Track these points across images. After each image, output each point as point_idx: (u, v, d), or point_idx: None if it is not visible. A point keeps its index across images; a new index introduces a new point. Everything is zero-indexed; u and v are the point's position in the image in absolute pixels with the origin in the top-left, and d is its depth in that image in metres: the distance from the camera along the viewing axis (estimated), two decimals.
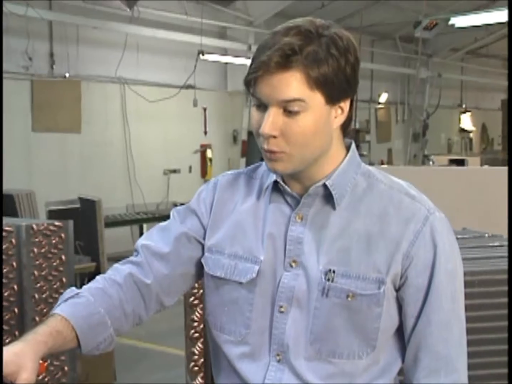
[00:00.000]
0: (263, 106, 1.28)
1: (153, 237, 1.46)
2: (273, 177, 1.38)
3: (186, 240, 1.44)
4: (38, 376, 1.21)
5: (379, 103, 14.34)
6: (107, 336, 1.36)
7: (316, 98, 1.26)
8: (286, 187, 1.37)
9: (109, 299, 1.38)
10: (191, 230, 1.44)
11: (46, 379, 3.04)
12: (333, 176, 1.34)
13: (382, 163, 12.68)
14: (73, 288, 1.39)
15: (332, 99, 1.28)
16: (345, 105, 1.31)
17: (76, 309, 1.33)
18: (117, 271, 1.43)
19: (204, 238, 1.43)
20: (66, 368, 3.12)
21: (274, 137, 1.27)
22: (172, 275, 1.43)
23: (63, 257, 3.02)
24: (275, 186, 1.39)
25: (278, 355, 1.33)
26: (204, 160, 10.14)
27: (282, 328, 1.32)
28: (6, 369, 1.15)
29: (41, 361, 1.22)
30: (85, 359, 3.86)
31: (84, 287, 1.40)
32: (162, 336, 5.62)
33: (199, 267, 1.45)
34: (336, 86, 1.26)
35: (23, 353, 1.19)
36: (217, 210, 1.43)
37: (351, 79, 1.29)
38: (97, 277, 1.43)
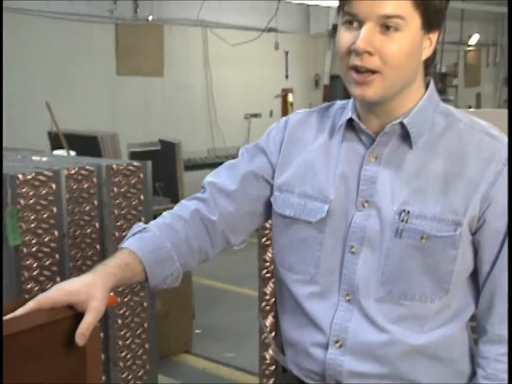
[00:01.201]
0: (356, 23, 1.23)
1: (220, 175, 1.46)
2: (347, 115, 1.35)
3: (253, 178, 1.43)
4: (108, 307, 1.24)
5: (469, 45, 13.78)
6: (174, 270, 1.38)
7: (415, 20, 1.23)
8: (361, 125, 1.33)
9: (176, 234, 1.39)
10: (259, 169, 1.43)
11: (127, 313, 3.15)
12: (411, 114, 1.30)
13: (470, 108, 12.27)
14: (141, 223, 1.41)
15: (427, 24, 1.25)
16: (434, 37, 1.28)
17: (143, 243, 1.35)
18: (184, 207, 1.44)
19: (272, 178, 1.42)
20: (145, 304, 3.21)
21: (369, 54, 1.22)
22: (238, 213, 1.43)
23: (142, 197, 3.08)
24: (349, 124, 1.35)
25: (347, 295, 1.31)
26: (285, 104, 10.08)
27: (353, 268, 1.31)
28: (77, 298, 1.18)
29: (111, 294, 1.25)
30: (165, 296, 3.98)
31: (151, 222, 1.42)
32: (240, 278, 5.71)
33: (267, 206, 1.44)
34: (434, 12, 1.24)
35: (94, 283, 1.21)
36: (286, 149, 1.41)
37: (444, 10, 1.27)
38: (164, 213, 1.44)
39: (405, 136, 1.31)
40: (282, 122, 1.46)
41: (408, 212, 1.27)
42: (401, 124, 1.30)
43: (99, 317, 1.19)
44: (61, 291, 1.18)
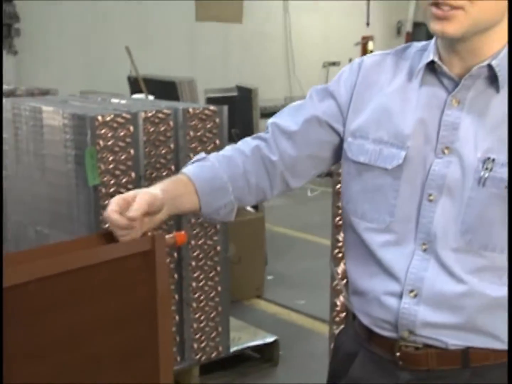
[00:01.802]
0: None
1: (284, 116, 1.43)
2: (428, 57, 1.28)
3: (316, 123, 1.39)
4: (177, 245, 1.25)
5: None
6: (228, 203, 1.37)
7: None
8: (444, 67, 1.27)
9: (235, 167, 1.38)
10: (325, 114, 1.38)
11: (200, 256, 3.20)
12: (500, 56, 1.24)
13: None
14: (203, 153, 1.41)
15: None
16: None
17: (200, 171, 1.35)
18: (246, 144, 1.42)
19: (338, 123, 1.38)
20: (218, 247, 3.25)
21: None
22: (298, 156, 1.40)
23: (217, 141, 3.08)
24: (430, 67, 1.29)
25: (424, 244, 1.27)
26: (365, 52, 9.85)
27: (430, 217, 1.26)
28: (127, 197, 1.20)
29: (182, 232, 1.26)
30: (238, 242, 4.02)
31: (213, 153, 1.41)
32: (313, 227, 5.70)
33: (330, 152, 1.41)
34: None
35: (150, 194, 1.24)
36: (360, 92, 1.36)
37: None
38: (227, 147, 1.43)
39: (492, 79, 1.24)
40: (355, 64, 1.41)
41: (493, 160, 1.22)
42: (489, 66, 1.23)
43: (147, 204, 1.20)
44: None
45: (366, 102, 1.35)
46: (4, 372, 1.00)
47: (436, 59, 1.27)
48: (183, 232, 1.28)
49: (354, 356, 1.37)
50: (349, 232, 1.40)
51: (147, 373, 1.20)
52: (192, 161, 1.39)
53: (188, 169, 1.36)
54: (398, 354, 1.30)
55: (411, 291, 1.28)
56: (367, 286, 1.34)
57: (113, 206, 1.18)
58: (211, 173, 1.36)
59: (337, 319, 2.17)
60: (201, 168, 1.37)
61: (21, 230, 3.46)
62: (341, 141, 1.39)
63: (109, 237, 1.21)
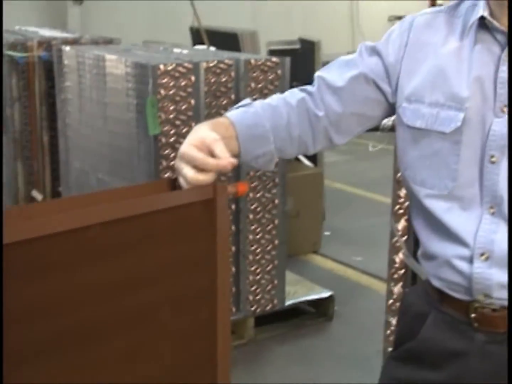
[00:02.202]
0: None
1: (331, 70, 1.38)
2: (479, 12, 1.22)
3: (364, 80, 1.34)
4: (238, 195, 1.23)
5: None
6: (267, 152, 1.34)
7: None
8: (494, 22, 1.20)
9: (278, 117, 1.34)
10: (371, 71, 1.33)
11: (258, 209, 3.20)
12: None
13: None
14: (249, 99, 1.38)
15: None
16: None
17: (243, 117, 1.32)
18: (293, 95, 1.38)
19: (384, 82, 1.33)
20: (276, 201, 3.24)
21: None
22: (343, 112, 1.35)
23: (278, 94, 3.04)
24: (481, 23, 1.23)
25: (491, 208, 1.23)
26: (433, 6, 9.55)
27: (494, 179, 1.21)
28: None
29: (244, 182, 1.24)
30: (296, 196, 4.01)
31: (258, 101, 1.38)
32: (372, 184, 5.64)
33: (376, 110, 1.36)
34: None
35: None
36: (412, 54, 1.30)
37: None
38: (274, 96, 1.40)
39: None
40: (406, 23, 1.34)
41: None
42: None
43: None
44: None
45: (420, 64, 1.29)
46: (69, 314, 1.01)
47: (485, 14, 1.21)
48: (244, 182, 1.27)
49: (425, 316, 1.34)
50: (412, 198, 1.36)
51: (205, 321, 1.20)
52: (236, 106, 1.36)
53: (231, 114, 1.33)
54: (473, 315, 1.26)
55: (482, 254, 1.24)
56: (437, 250, 1.30)
57: (193, 142, 1.18)
58: (253, 120, 1.33)
59: (395, 276, 2.14)
60: (244, 113, 1.33)
61: (83, 177, 3.51)
62: (388, 99, 1.35)
63: (170, 184, 1.20)
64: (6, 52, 3.90)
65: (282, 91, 1.44)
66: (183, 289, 1.17)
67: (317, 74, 1.39)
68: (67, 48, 3.57)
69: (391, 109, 1.36)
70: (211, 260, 1.19)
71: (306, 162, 4.58)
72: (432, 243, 1.31)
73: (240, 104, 1.36)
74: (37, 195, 4.03)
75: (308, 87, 1.38)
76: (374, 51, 1.35)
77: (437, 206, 1.28)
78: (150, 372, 1.15)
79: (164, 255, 1.14)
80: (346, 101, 1.35)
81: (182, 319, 1.18)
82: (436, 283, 1.32)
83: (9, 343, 0.95)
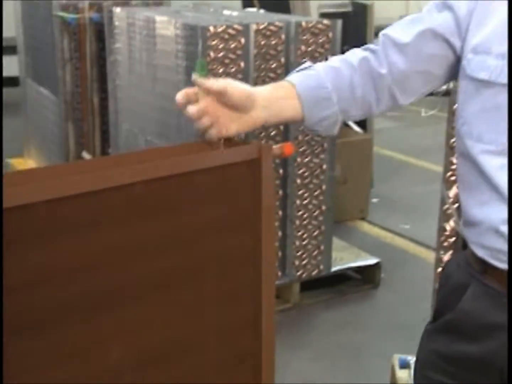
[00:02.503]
0: None
1: (396, 27, 1.34)
2: None
3: (431, 36, 1.29)
4: (284, 156, 1.21)
5: None
6: (331, 114, 1.31)
7: None
8: None
9: (341, 78, 1.31)
10: (441, 26, 1.28)
11: (306, 174, 3.17)
12: None
13: None
14: (309, 62, 1.35)
15: None
16: None
17: (305, 79, 1.30)
18: (354, 55, 1.35)
19: (454, 37, 1.27)
20: (324, 166, 3.21)
21: None
22: (408, 70, 1.31)
23: (329, 57, 2.99)
24: None
25: None
26: None
27: None
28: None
29: (289, 143, 1.22)
30: (345, 162, 3.96)
31: (319, 63, 1.34)
32: (423, 151, 5.54)
33: (443, 69, 1.31)
34: None
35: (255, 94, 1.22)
36: (484, 4, 1.25)
37: None
38: (334, 57, 1.36)
39: None
40: None
41: None
42: None
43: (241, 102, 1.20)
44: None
45: (491, 14, 1.24)
46: (112, 272, 1.02)
47: None
48: (290, 143, 1.24)
49: (465, 287, 1.30)
50: (462, 158, 1.31)
51: (249, 282, 1.19)
52: (297, 69, 1.34)
53: (292, 77, 1.31)
54: None
55: None
56: (481, 216, 1.26)
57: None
58: (316, 82, 1.30)
59: (446, 244, 2.10)
60: (306, 76, 1.31)
61: (132, 138, 3.54)
62: (456, 57, 1.30)
63: (216, 144, 1.19)
64: (58, 13, 3.92)
65: (333, 55, 1.40)
66: (226, 251, 1.16)
67: (381, 32, 1.35)
68: (118, 10, 3.57)
69: (457, 69, 1.31)
70: (256, 222, 1.18)
71: (356, 128, 4.52)
72: (477, 208, 1.27)
73: (300, 67, 1.34)
74: (87, 156, 4.08)
75: (371, 46, 1.35)
76: (445, 6, 1.30)
77: (491, 163, 1.23)
78: (193, 334, 1.15)
79: (208, 215, 1.13)
80: (412, 58, 1.31)
81: (226, 281, 1.17)
82: (479, 252, 1.28)
83: (60, 295, 0.96)
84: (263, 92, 1.25)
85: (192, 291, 1.12)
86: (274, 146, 1.20)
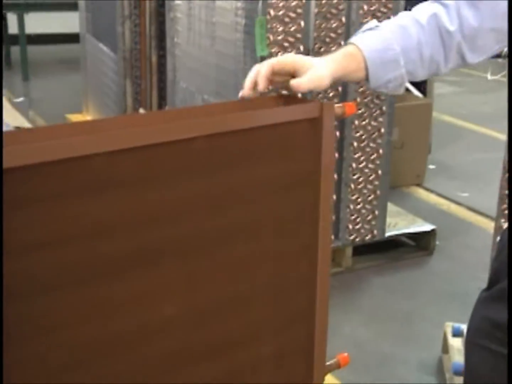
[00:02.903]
0: None
1: None
2: None
3: None
4: (345, 115, 1.19)
5: None
6: (398, 76, 1.27)
7: None
8: None
9: (408, 38, 1.27)
10: None
11: (363, 137, 3.12)
12: None
13: None
14: (375, 20, 1.31)
15: None
16: None
17: (371, 41, 1.26)
18: (423, 10, 1.29)
19: None
20: (382, 130, 3.15)
21: None
22: (480, 27, 1.25)
23: (391, 17, 2.91)
24: None
25: None
26: None
27: None
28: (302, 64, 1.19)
29: (352, 102, 1.19)
30: (403, 127, 3.89)
31: (385, 21, 1.30)
32: (484, 118, 5.39)
33: None
34: None
35: (319, 63, 1.21)
36: None
37: None
38: (401, 13, 1.31)
39: None
40: None
41: None
42: None
43: (315, 85, 1.18)
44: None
45: None
46: (169, 226, 1.02)
47: None
48: (352, 103, 1.21)
49: None
50: None
51: (306, 241, 1.18)
52: (363, 29, 1.30)
53: (359, 39, 1.28)
54: None
55: None
56: None
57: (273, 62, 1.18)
58: (383, 44, 1.26)
59: (506, 212, 2.05)
60: (373, 38, 1.27)
61: (189, 97, 3.53)
62: None
63: (277, 101, 1.17)
64: None
65: (395, 14, 1.35)
66: (284, 209, 1.15)
67: None
68: None
69: None
70: (314, 181, 1.16)
71: (416, 92, 4.42)
72: None
73: (366, 27, 1.30)
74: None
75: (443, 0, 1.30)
76: None
77: None
78: (248, 291, 1.14)
79: (267, 172, 1.12)
80: (485, 14, 1.26)
81: (282, 239, 1.16)
82: None
83: (116, 248, 0.97)
84: (336, 71, 1.24)
85: (248, 248, 1.12)
86: (336, 105, 1.18)
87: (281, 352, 1.21)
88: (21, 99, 5.24)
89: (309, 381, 1.25)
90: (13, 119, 3.30)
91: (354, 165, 3.17)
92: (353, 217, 3.24)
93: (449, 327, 2.47)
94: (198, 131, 1.01)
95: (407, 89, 4.30)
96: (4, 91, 4.19)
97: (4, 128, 2.83)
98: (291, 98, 1.17)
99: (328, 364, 1.29)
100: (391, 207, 3.46)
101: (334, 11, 2.92)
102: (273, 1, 2.77)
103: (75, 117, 5.04)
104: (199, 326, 1.09)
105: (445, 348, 2.46)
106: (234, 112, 1.09)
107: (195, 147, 1.02)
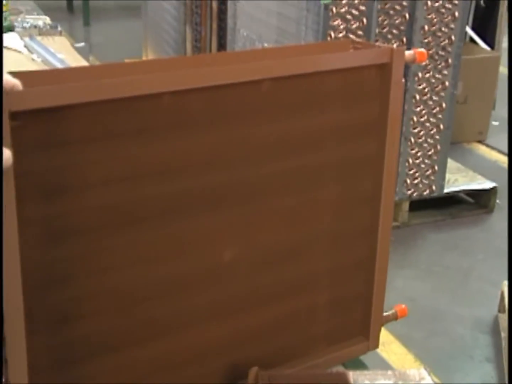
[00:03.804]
0: None
1: None
2: None
3: None
4: (416, 62, 1.15)
5: None
6: None
7: None
8: None
9: None
10: None
11: (425, 90, 3.04)
12: None
13: None
14: None
15: None
16: None
17: None
18: None
19: None
20: (447, 83, 3.07)
21: None
22: None
23: (456, 13, 2.83)
24: None
25: None
26: None
27: None
28: None
29: (423, 50, 1.15)
30: (467, 81, 3.77)
31: None
32: None
33: None
34: None
35: None
36: None
37: None
38: None
39: None
40: None
41: None
42: None
43: None
44: None
45: None
46: (230, 167, 1.01)
47: None
48: (423, 51, 1.17)
49: None
50: None
51: (369, 190, 1.16)
52: None
53: None
54: None
55: None
56: None
57: None
58: None
59: None
60: None
61: (249, 44, 3.49)
62: None
63: (346, 46, 1.14)
64: None
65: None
66: (348, 155, 1.13)
67: None
68: None
69: None
70: (381, 129, 1.13)
71: (483, 44, 4.27)
72: None
73: None
74: None
75: None
76: None
77: None
78: (309, 238, 1.14)
79: (332, 118, 1.09)
80: None
81: (345, 187, 1.15)
82: None
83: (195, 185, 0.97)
84: None
85: (311, 195, 1.11)
86: (407, 52, 1.14)
87: (339, 300, 1.21)
88: (81, 44, 5.27)
89: (365, 330, 1.25)
90: (77, 63, 3.33)
91: (415, 118, 3.10)
92: (411, 172, 3.19)
93: (506, 286, 2.43)
94: (266, 73, 0.99)
95: (474, 41, 4.16)
96: (65, 36, 4.22)
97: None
98: (360, 43, 1.14)
99: (385, 315, 1.28)
100: (451, 163, 3.39)
101: (398, 7, 2.84)
102: None
103: None
104: (256, 271, 1.09)
105: (502, 307, 2.42)
106: (301, 56, 1.07)
107: (262, 90, 1.00)
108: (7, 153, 0.78)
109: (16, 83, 0.80)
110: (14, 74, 0.81)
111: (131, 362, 0.99)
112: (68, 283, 0.90)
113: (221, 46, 4.00)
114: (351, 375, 1.03)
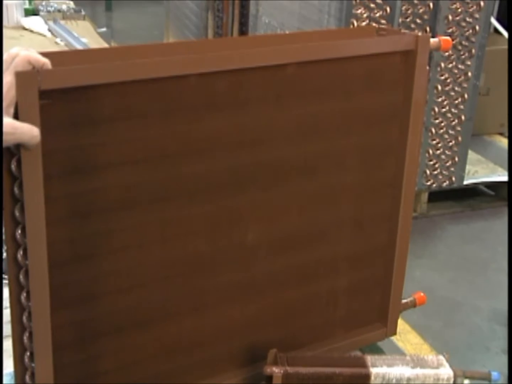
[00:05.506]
0: None
1: None
2: None
3: None
4: (441, 50, 1.14)
5: None
6: None
7: None
8: None
9: None
10: None
11: (448, 80, 3.03)
12: None
13: None
14: None
15: None
16: None
17: None
18: None
19: None
20: (469, 74, 3.05)
21: None
22: None
23: (481, 3, 2.81)
24: None
25: None
26: None
27: None
28: None
29: (449, 38, 1.15)
30: (491, 73, 3.74)
31: None
32: None
33: None
34: None
35: None
36: None
37: None
38: None
39: None
40: None
41: None
42: None
43: None
44: None
45: None
46: (253, 151, 1.01)
47: None
48: (448, 38, 1.17)
49: None
50: None
51: (391, 176, 1.17)
52: None
53: None
54: None
55: None
56: None
57: None
58: None
59: None
60: None
61: (271, 32, 3.49)
62: None
63: (371, 32, 1.14)
64: None
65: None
66: (371, 141, 1.13)
67: None
68: None
69: None
70: (404, 115, 1.13)
71: (507, 35, 4.22)
72: None
73: None
74: None
75: None
76: None
77: None
78: (330, 223, 1.14)
79: (356, 103, 1.09)
80: None
81: (367, 173, 1.15)
82: None
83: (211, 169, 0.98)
84: None
85: (333, 179, 1.11)
86: (432, 39, 1.14)
87: (358, 285, 1.21)
88: (103, 29, 5.29)
89: (384, 317, 1.25)
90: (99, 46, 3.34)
91: (436, 109, 3.09)
92: (431, 162, 3.18)
93: None
94: (292, 57, 0.99)
95: (498, 32, 4.12)
96: (88, 21, 4.24)
97: None
98: (386, 30, 1.14)
99: (404, 302, 1.29)
100: (471, 154, 3.38)
101: None
102: None
103: None
104: (277, 254, 1.10)
105: None
106: (326, 41, 1.07)
107: (286, 74, 1.00)
108: (35, 131, 0.79)
109: (46, 61, 0.81)
110: (43, 54, 0.83)
111: (154, 338, 1.00)
112: (93, 260, 0.92)
113: (243, 33, 4.01)
114: (369, 359, 1.04)
